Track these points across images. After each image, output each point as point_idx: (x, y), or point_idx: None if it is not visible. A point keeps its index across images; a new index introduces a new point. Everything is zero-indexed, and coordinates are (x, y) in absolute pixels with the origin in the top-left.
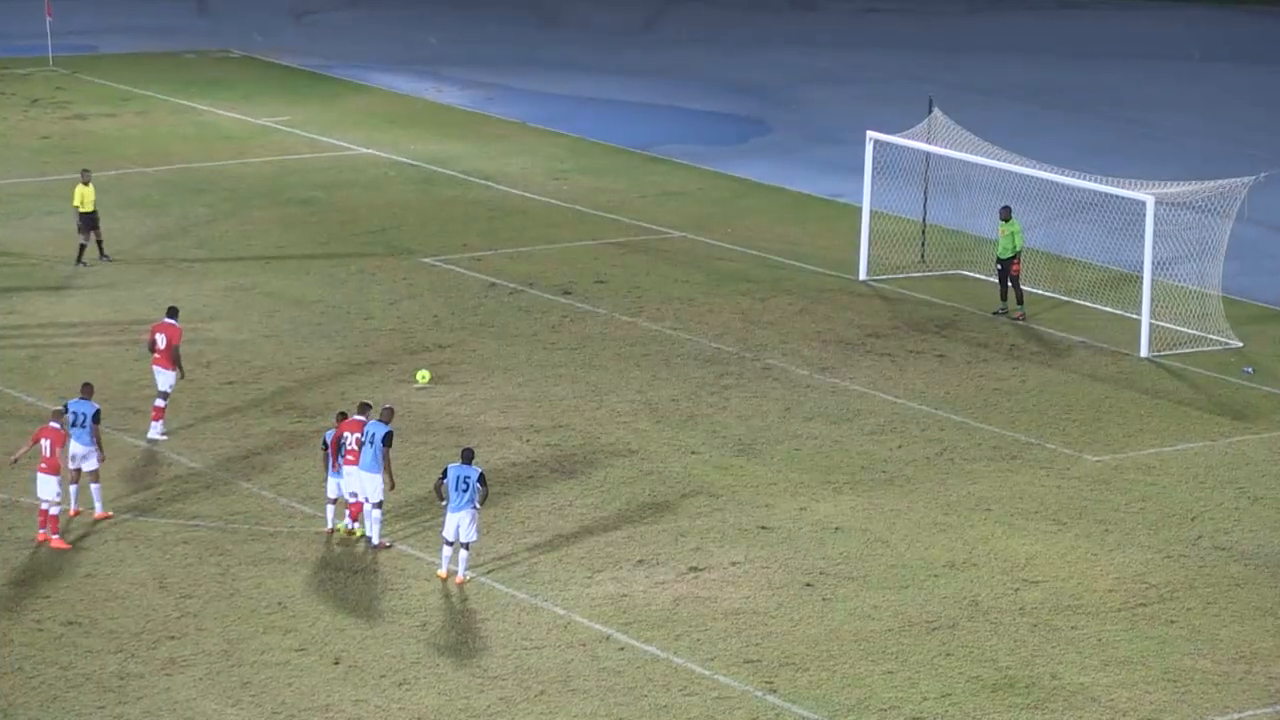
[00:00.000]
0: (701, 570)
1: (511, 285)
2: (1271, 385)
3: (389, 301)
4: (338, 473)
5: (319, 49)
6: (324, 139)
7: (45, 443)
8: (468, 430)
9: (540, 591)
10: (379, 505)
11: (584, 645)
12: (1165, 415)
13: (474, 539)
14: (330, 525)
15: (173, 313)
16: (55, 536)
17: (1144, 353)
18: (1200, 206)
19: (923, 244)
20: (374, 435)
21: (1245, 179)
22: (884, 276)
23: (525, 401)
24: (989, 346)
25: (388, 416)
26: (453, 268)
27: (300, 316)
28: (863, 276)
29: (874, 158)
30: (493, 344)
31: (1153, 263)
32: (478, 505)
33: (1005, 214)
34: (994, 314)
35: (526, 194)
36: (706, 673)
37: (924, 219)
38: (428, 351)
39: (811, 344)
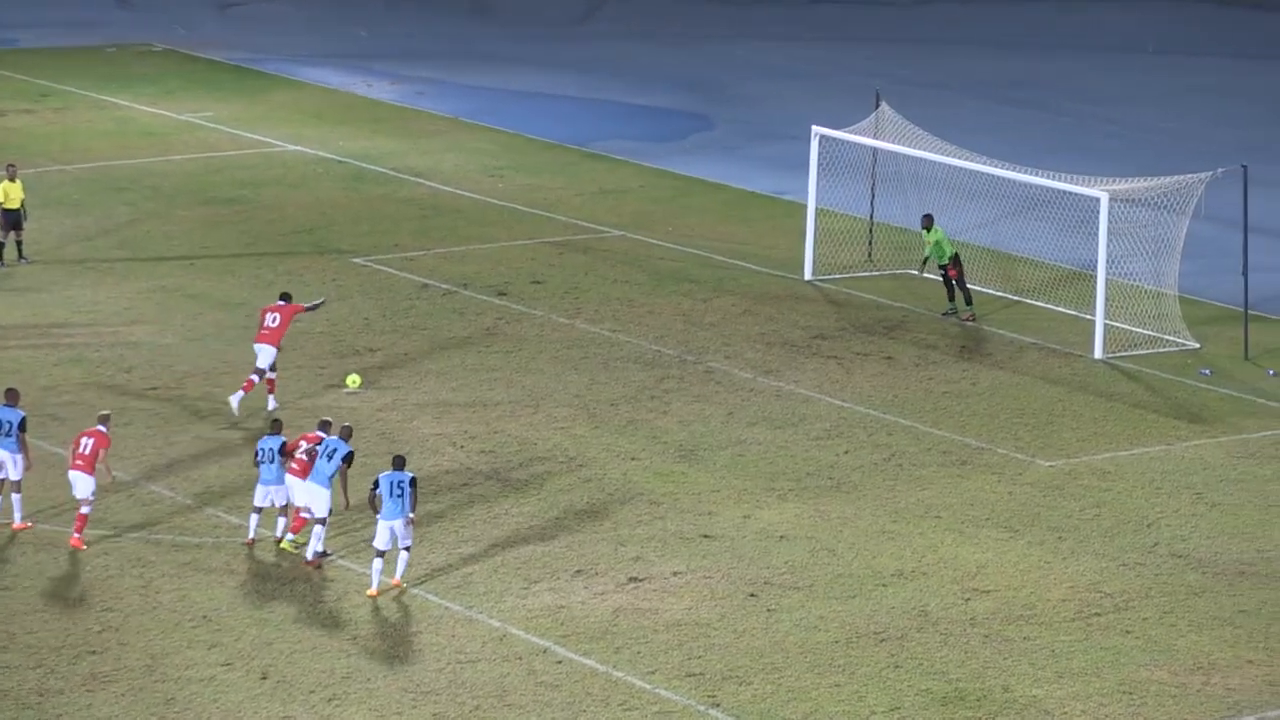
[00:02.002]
0: (642, 581)
1: (445, 286)
2: (1229, 387)
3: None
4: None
5: (244, 42)
6: (250, 135)
7: None
8: (399, 437)
9: (475, 603)
10: (323, 521)
11: (520, 658)
12: (1120, 419)
13: (410, 543)
14: (252, 535)
15: (285, 298)
16: None
17: (1098, 354)
18: (1156, 203)
19: (870, 243)
20: (334, 451)
21: (1202, 175)
22: (830, 276)
23: (459, 407)
24: (938, 348)
25: (347, 434)
26: (384, 268)
27: (226, 319)
28: (808, 276)
29: (819, 154)
30: (425, 347)
31: (1107, 261)
32: (412, 515)
33: (926, 223)
34: (943, 314)
35: (460, 192)
36: (647, 686)
37: (871, 217)
38: (358, 355)
39: (755, 346)
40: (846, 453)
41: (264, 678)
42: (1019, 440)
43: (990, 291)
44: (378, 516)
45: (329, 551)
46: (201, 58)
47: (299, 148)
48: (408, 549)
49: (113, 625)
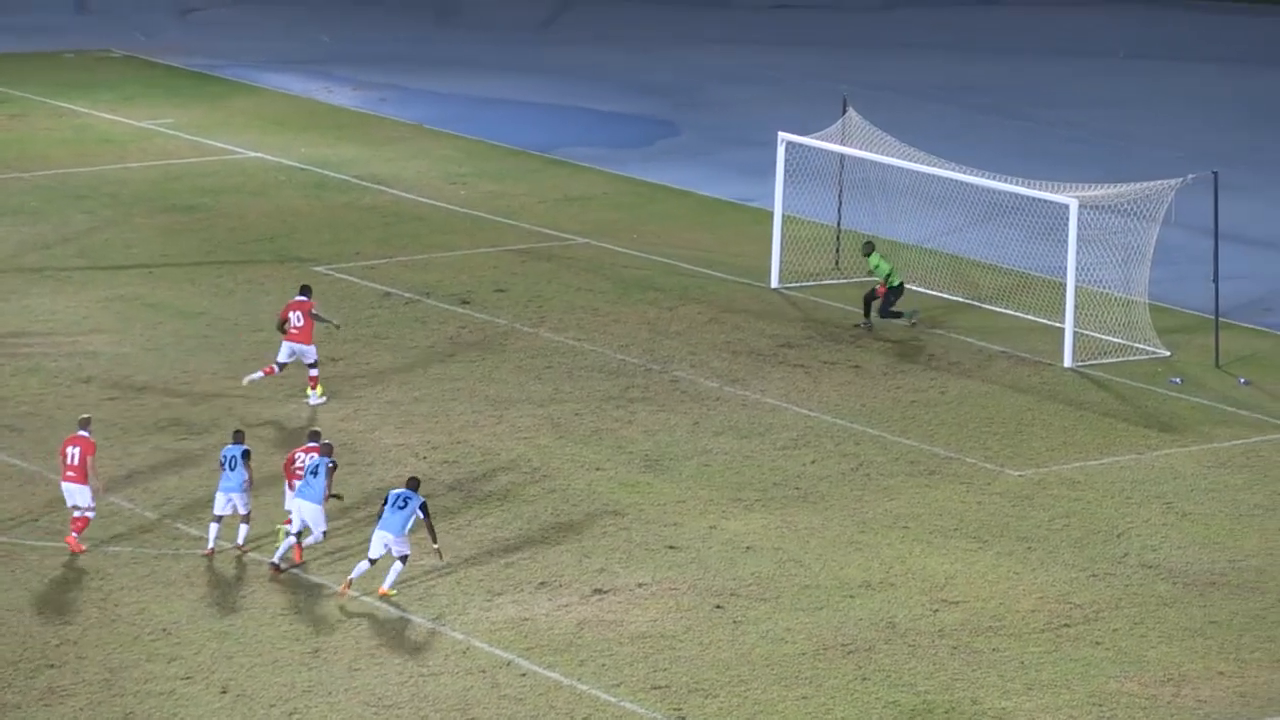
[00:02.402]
0: (606, 592)
1: (407, 295)
2: (1200, 396)
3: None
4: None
5: (205, 47)
6: (210, 142)
7: None
8: (361, 447)
9: (438, 615)
10: (297, 535)
11: (484, 672)
12: (1090, 427)
13: (407, 551)
14: (211, 545)
15: (306, 290)
16: None
17: (1068, 363)
18: (1126, 210)
19: (837, 250)
20: (318, 467)
21: (1172, 181)
22: (797, 284)
23: (422, 417)
24: (906, 357)
25: (328, 451)
26: (346, 277)
27: (185, 328)
28: (775, 284)
29: (786, 160)
30: (387, 356)
31: (1077, 269)
32: (435, 544)
33: (867, 249)
34: (856, 325)
35: (423, 199)
36: (612, 699)
37: (839, 224)
38: (320, 365)
39: (721, 355)
40: (813, 462)
41: (224, 691)
42: (988, 449)
43: (958, 299)
44: (376, 526)
45: (284, 566)
46: (161, 64)
47: (260, 155)
48: (403, 559)
49: (71, 639)
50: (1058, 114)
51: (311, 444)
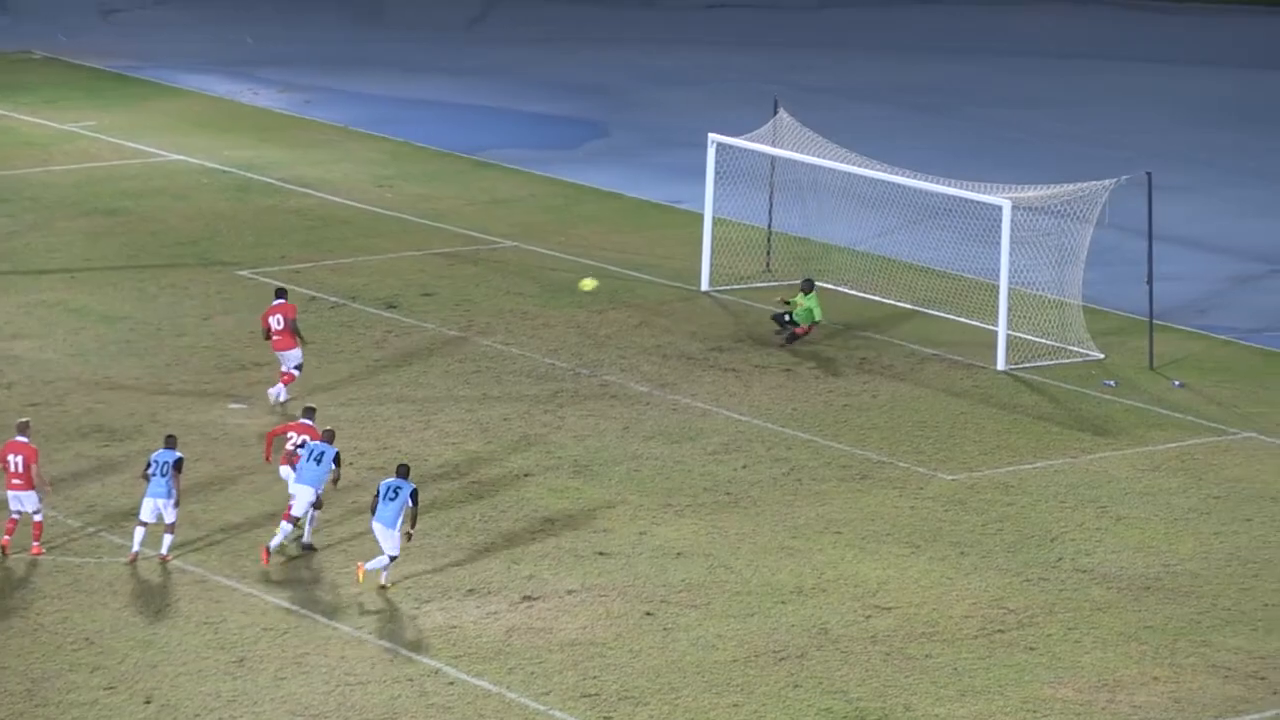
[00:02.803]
0: (536, 599)
1: (333, 299)
2: (1134, 399)
3: (202, 317)
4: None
5: (127, 49)
6: (133, 145)
7: None
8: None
9: (365, 623)
10: (318, 505)
11: (411, 680)
12: (1023, 431)
13: (396, 553)
14: (136, 550)
15: (281, 293)
16: None
17: (1001, 365)
18: (1059, 211)
19: (768, 252)
20: (323, 454)
21: (1106, 182)
22: (727, 287)
23: (348, 422)
24: (838, 360)
25: (330, 437)
26: (271, 281)
27: (108, 334)
28: (705, 287)
29: (716, 162)
30: (313, 361)
31: (1010, 271)
32: (410, 530)
33: (807, 287)
34: (779, 332)
35: (349, 202)
36: (541, 708)
37: (769, 226)
38: (244, 370)
39: (651, 359)
40: (744, 467)
41: (148, 702)
42: (920, 454)
43: (891, 302)
44: (372, 519)
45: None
46: (83, 65)
47: (183, 157)
48: (392, 558)
49: None
50: (990, 113)
51: (306, 421)
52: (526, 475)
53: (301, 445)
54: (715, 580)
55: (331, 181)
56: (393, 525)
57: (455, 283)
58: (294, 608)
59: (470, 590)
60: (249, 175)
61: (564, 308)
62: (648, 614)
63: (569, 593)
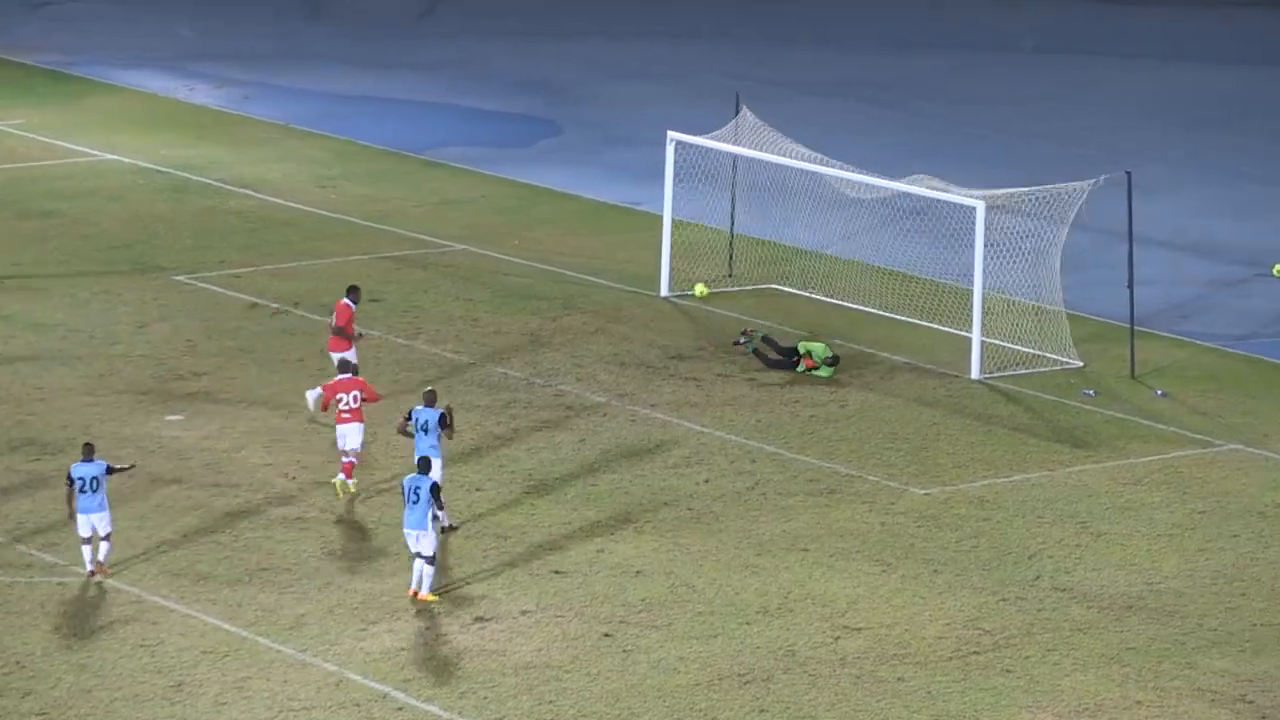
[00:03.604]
0: (488, 621)
1: (275, 305)
2: (1115, 409)
3: (137, 325)
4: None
5: (58, 43)
6: (65, 144)
7: None
8: (226, 468)
9: (309, 646)
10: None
11: (358, 705)
12: (999, 443)
13: (430, 554)
14: (89, 568)
15: (353, 291)
16: None
17: (975, 374)
18: (1035, 213)
19: (730, 256)
20: (427, 421)
21: (1084, 182)
22: (688, 293)
23: (292, 435)
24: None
25: (433, 399)
26: (209, 286)
27: (39, 342)
28: (664, 293)
29: (676, 161)
30: (254, 371)
31: (984, 275)
32: (440, 516)
33: (833, 362)
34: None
35: (291, 204)
36: None
37: (731, 229)
38: (181, 380)
39: (608, 367)
40: (707, 481)
41: None
42: (891, 467)
43: (860, 308)
44: (404, 527)
45: (455, 524)
46: (12, 61)
47: (117, 157)
48: (430, 560)
49: None
50: (963, 111)
51: (344, 376)
52: (478, 490)
53: (354, 405)
54: (677, 600)
55: (272, 182)
56: (423, 525)
57: (403, 288)
58: (235, 629)
59: (420, 611)
60: (186, 175)
61: (517, 314)
62: (606, 635)
63: (523, 613)
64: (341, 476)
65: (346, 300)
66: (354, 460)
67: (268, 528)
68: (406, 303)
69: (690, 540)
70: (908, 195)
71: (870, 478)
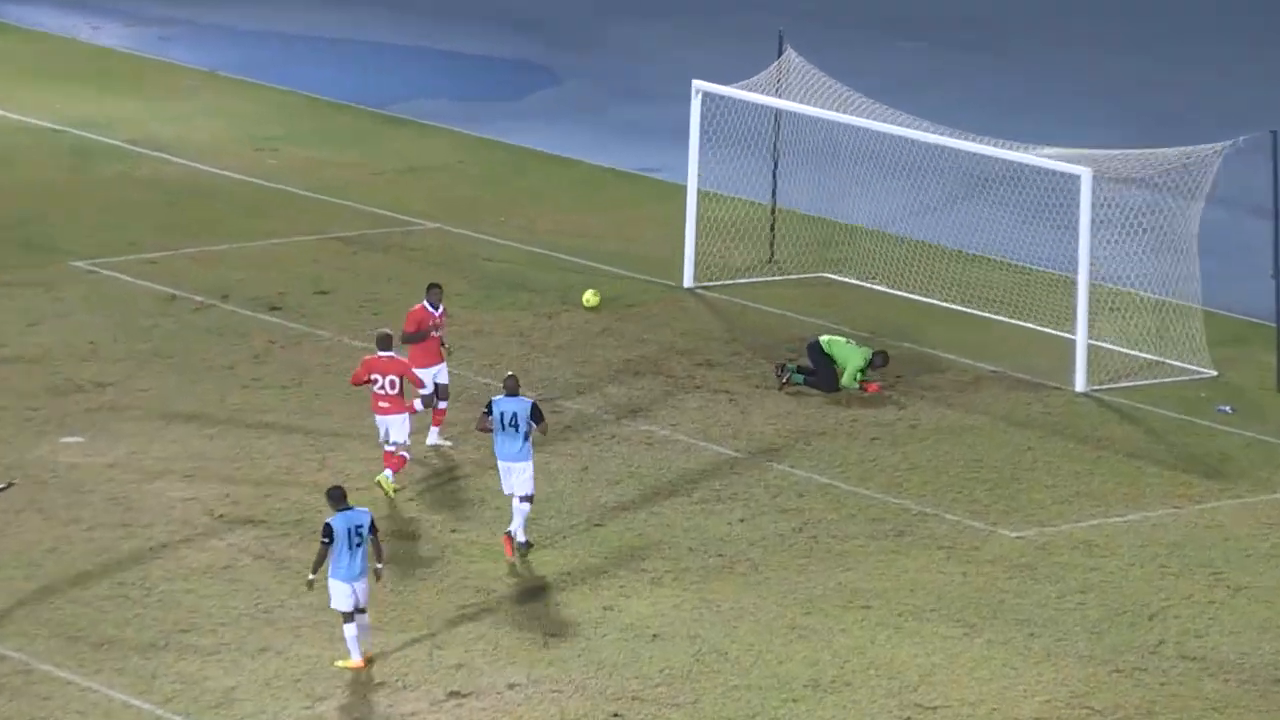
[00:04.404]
0: (467, 696)
1: (199, 299)
2: (1257, 429)
3: (27, 323)
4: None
5: None
6: None
7: None
8: (137, 503)
9: None
10: (529, 499)
11: None
12: (1111, 473)
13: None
14: None
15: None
16: None
17: (1080, 386)
18: (1156, 183)
19: (772, 236)
20: (515, 414)
21: (1217, 145)
22: (719, 282)
23: (218, 461)
24: (866, 379)
25: (515, 386)
26: (116, 275)
27: None
28: (689, 283)
29: (703, 117)
30: (172, 380)
31: (1090, 260)
32: (379, 566)
33: (880, 360)
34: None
35: (218, 171)
36: None
37: (773, 202)
38: (81, 392)
39: (619, 377)
40: (742, 521)
41: None
42: (974, 503)
43: (933, 301)
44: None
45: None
46: None
47: (3, 113)
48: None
49: None
50: (1061, 55)
51: (385, 354)
52: (454, 531)
53: (393, 391)
54: (704, 670)
55: (195, 144)
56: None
57: (359, 277)
58: (148, 706)
59: (380, 683)
60: (88, 136)
61: (503, 309)
62: (615, 716)
63: (510, 687)
64: (387, 473)
65: (425, 304)
66: (405, 454)
67: (188, 579)
68: (363, 295)
69: (721, 595)
70: (995, 160)
71: (948, 516)
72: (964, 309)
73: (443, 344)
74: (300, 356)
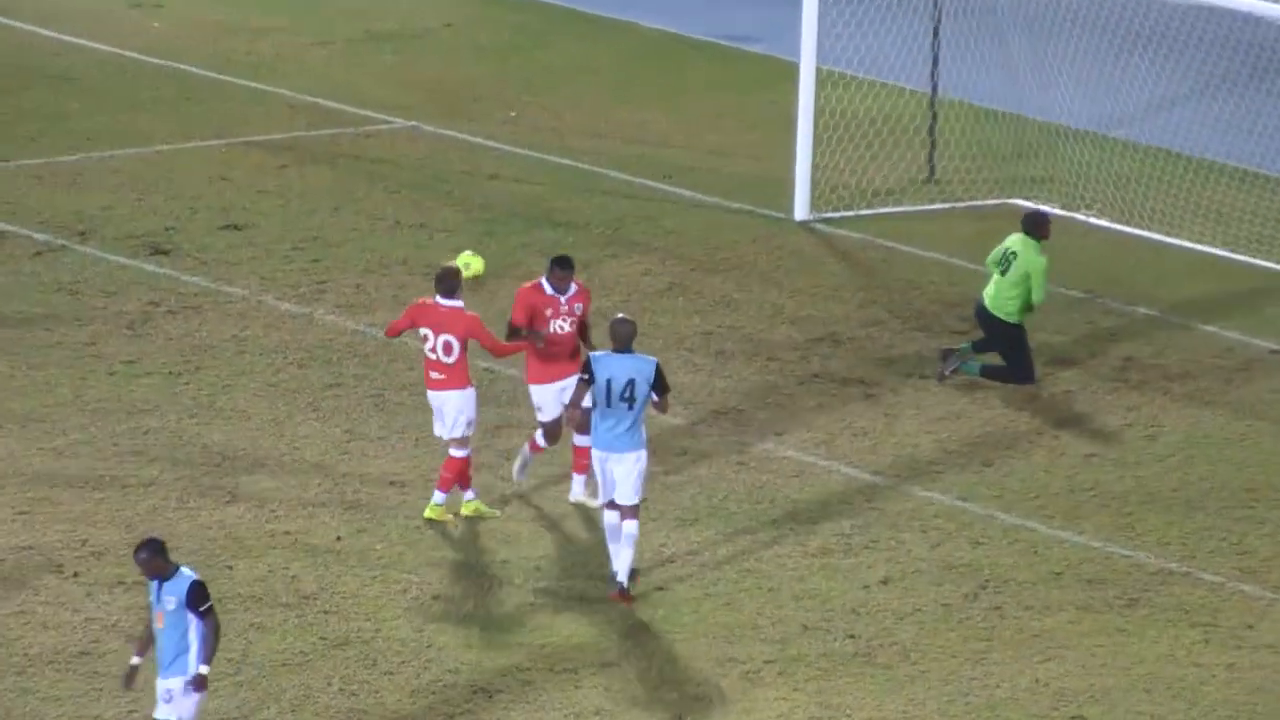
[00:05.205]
0: None
1: (42, 237)
2: None
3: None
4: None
5: None
6: None
7: None
8: None
9: None
10: (634, 511)
11: None
12: None
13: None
14: None
15: (563, 263)
16: None
17: None
18: None
19: (931, 144)
20: (631, 382)
21: None
22: (848, 213)
23: (78, 485)
24: (1072, 360)
25: (629, 335)
26: None
27: None
28: (802, 214)
29: None
30: (3, 364)
31: None
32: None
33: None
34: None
35: (80, 41)
36: None
37: (933, 91)
38: None
39: (697, 358)
40: (885, 583)
41: None
42: (1247, 554)
43: (1186, 245)
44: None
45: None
46: None
47: None
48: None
49: None
50: None
51: (443, 300)
52: (434, 598)
53: (447, 359)
54: None
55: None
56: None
57: (291, 202)
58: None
59: None
60: None
61: (514, 253)
62: None
63: None
64: (438, 495)
65: (542, 282)
66: (464, 454)
67: (25, 675)
68: (297, 233)
69: (852, 700)
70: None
71: (1206, 576)
72: (1231, 255)
73: (583, 342)
74: (199, 326)
